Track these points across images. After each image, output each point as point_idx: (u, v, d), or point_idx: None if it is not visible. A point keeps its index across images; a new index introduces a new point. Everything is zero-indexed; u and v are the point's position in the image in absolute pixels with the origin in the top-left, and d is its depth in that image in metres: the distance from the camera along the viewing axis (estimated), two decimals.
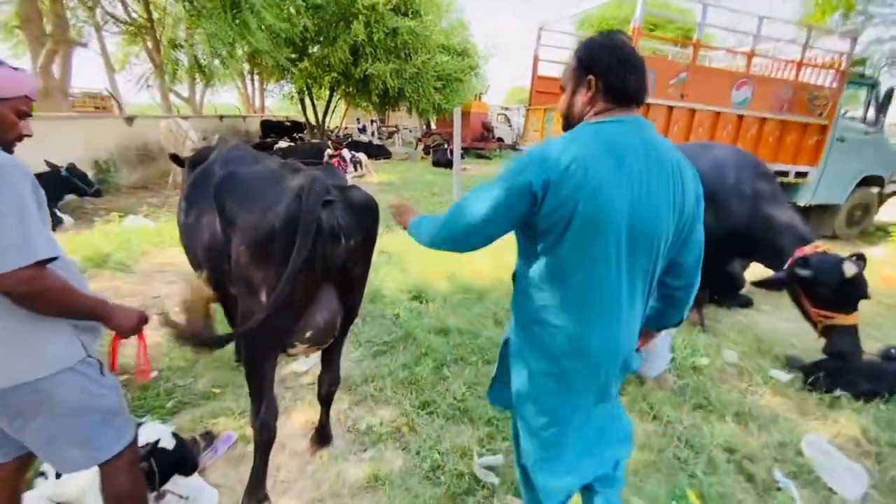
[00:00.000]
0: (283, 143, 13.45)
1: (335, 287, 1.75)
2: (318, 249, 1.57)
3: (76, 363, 1.27)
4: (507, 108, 21.71)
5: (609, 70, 1.19)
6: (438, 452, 2.17)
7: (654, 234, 1.18)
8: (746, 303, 4.13)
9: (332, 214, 1.59)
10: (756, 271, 3.36)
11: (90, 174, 7.16)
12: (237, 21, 7.79)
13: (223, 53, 8.34)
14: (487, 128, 18.98)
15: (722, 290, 3.98)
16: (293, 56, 13.87)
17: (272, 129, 17.20)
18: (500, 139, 19.71)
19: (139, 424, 1.97)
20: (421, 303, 3.82)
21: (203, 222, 1.93)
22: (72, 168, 6.24)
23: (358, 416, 2.50)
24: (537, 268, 1.23)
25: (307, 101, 17.28)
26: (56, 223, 5.48)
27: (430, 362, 2.88)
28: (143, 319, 1.40)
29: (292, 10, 12.24)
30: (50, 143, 6.86)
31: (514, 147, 17.45)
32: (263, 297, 1.61)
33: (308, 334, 1.74)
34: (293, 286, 1.53)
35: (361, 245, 1.71)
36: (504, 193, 1.17)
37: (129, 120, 9.79)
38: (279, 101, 23.44)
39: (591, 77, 1.21)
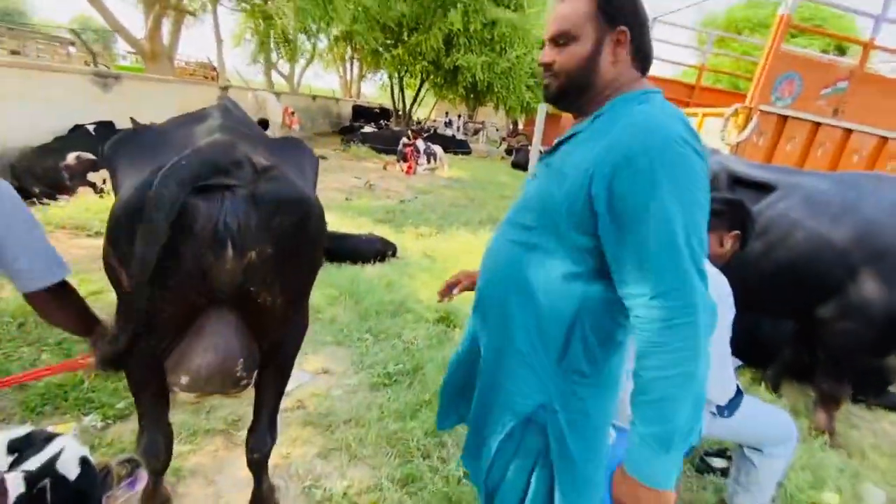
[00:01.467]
0: (368, 129, 13.44)
1: (236, 318, 1.14)
2: (185, 258, 1.00)
3: None
4: None
5: (642, 25, 0.92)
6: None
7: None
8: None
9: (217, 208, 0.98)
10: None
11: None
12: None
13: (313, 29, 8.26)
14: None
15: (865, 383, 2.83)
16: (388, 42, 13.78)
17: (362, 114, 17.41)
18: None
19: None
20: (448, 326, 3.15)
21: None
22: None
23: (322, 472, 1.90)
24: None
25: (397, 88, 17.25)
26: None
27: (431, 416, 2.20)
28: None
29: None
30: (144, 103, 7.18)
31: None
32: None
33: (184, 380, 1.15)
34: (144, 306, 1.03)
35: (270, 261, 1.08)
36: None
37: (224, 89, 10.17)
38: (377, 90, 23.88)
39: (622, 29, 0.90)
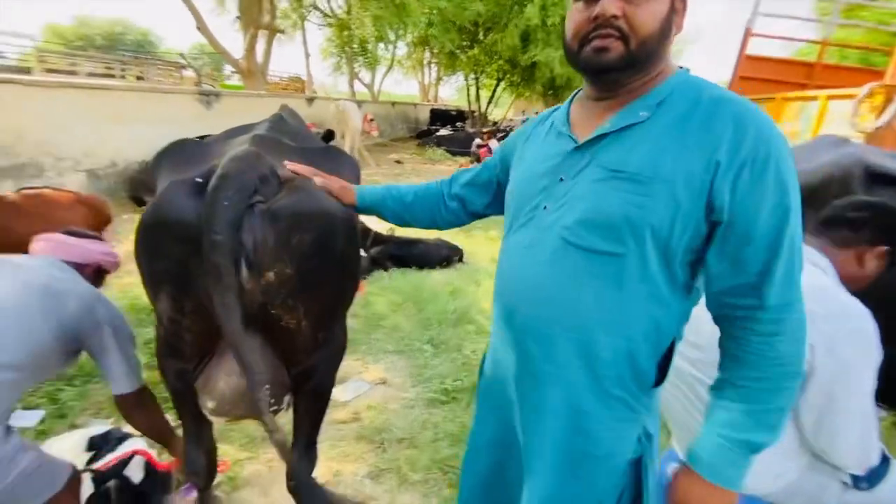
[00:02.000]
0: (444, 131, 13.56)
1: (261, 341, 1.06)
2: (189, 277, 0.96)
3: None
4: None
5: None
6: None
7: None
8: None
9: (225, 219, 0.91)
10: None
11: None
12: (397, 2, 7.74)
13: (389, 37, 8.47)
14: None
15: None
16: (464, 43, 13.75)
17: (439, 117, 17.63)
18: None
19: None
20: None
21: None
22: None
23: (372, 493, 1.82)
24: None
25: (473, 90, 17.19)
26: None
27: None
28: None
29: None
30: (240, 116, 7.85)
31: None
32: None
33: (210, 404, 1.10)
34: (170, 324, 1.03)
35: (291, 281, 0.99)
36: None
37: (310, 100, 10.83)
38: (454, 92, 24.11)
39: None
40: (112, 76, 13.64)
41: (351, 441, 2.07)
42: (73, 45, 32.15)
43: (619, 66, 0.76)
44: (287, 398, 1.20)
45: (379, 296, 3.49)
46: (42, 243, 1.45)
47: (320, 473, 1.83)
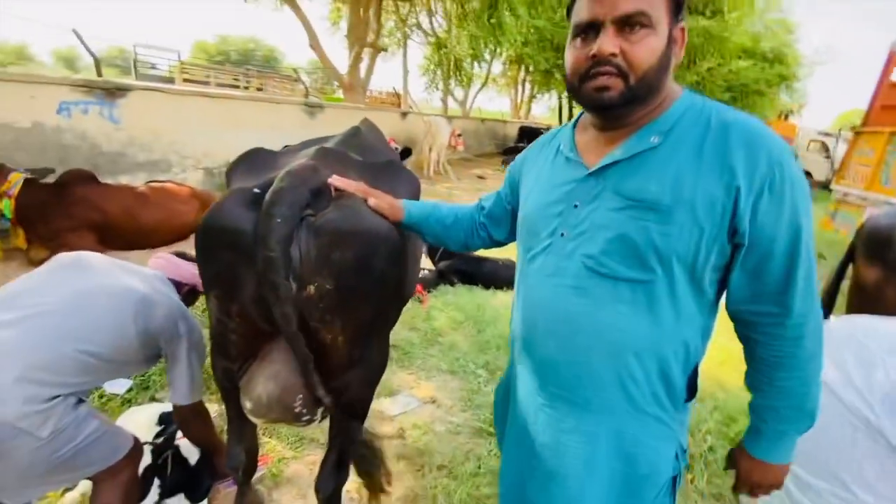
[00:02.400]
0: None
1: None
2: (248, 283, 0.98)
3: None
4: (826, 135, 16.17)
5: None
6: None
7: None
8: None
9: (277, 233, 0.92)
10: None
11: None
12: (492, 21, 7.81)
13: (483, 55, 8.59)
14: None
15: None
16: (559, 62, 13.53)
17: (526, 134, 17.45)
18: (805, 174, 14.82)
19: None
20: None
21: None
22: None
23: None
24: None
25: (566, 108, 16.81)
26: None
27: None
28: None
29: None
30: (339, 126, 8.42)
31: (826, 186, 12.79)
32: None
33: (248, 405, 1.12)
34: (218, 325, 1.08)
35: (330, 297, 0.98)
36: None
37: (404, 115, 11.32)
38: (547, 110, 23.86)
39: (683, 25, 0.79)
40: (237, 87, 15.56)
41: (391, 458, 2.04)
42: (214, 59, 37.11)
43: (620, 103, 0.77)
44: (321, 410, 1.19)
45: (441, 311, 3.46)
46: (158, 260, 1.67)
47: (353, 488, 1.82)
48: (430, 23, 14.26)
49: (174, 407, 1.47)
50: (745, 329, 0.84)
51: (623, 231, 0.77)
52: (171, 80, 14.55)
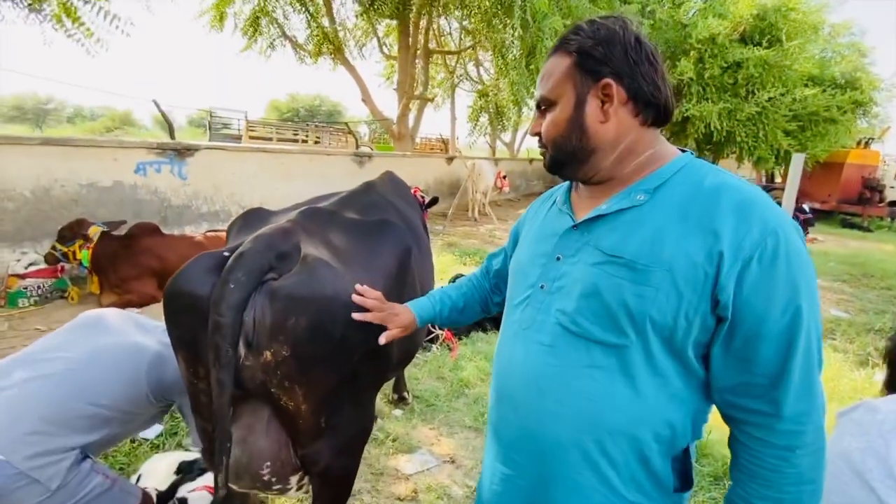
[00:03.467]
0: None
1: (267, 418, 1.04)
2: (199, 346, 0.99)
3: None
4: None
5: (637, 71, 0.76)
6: None
7: None
8: None
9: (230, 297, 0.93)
10: None
11: None
12: (531, 67, 7.96)
13: (524, 99, 8.74)
14: (871, 186, 13.12)
15: None
16: None
17: None
18: (893, 203, 13.32)
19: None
20: None
21: None
22: None
23: None
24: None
25: None
26: None
27: None
28: None
29: None
30: None
31: None
32: None
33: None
34: (189, 386, 1.09)
35: (287, 363, 0.95)
36: None
37: (450, 160, 11.63)
38: None
39: (607, 82, 0.77)
40: (296, 141, 16.87)
41: None
42: (285, 115, 40.70)
43: (554, 168, 0.85)
44: (294, 479, 1.15)
45: (470, 360, 3.35)
46: None
47: None
48: (478, 72, 14.85)
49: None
50: (732, 427, 0.75)
51: (596, 287, 0.75)
52: (238, 138, 16.06)
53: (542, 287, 0.83)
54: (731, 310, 0.68)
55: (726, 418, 0.76)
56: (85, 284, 4.36)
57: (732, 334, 0.69)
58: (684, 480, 0.80)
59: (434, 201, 2.87)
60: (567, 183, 0.93)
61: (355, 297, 1.05)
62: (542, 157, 0.88)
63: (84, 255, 4.16)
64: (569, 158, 0.81)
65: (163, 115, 6.03)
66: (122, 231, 4.27)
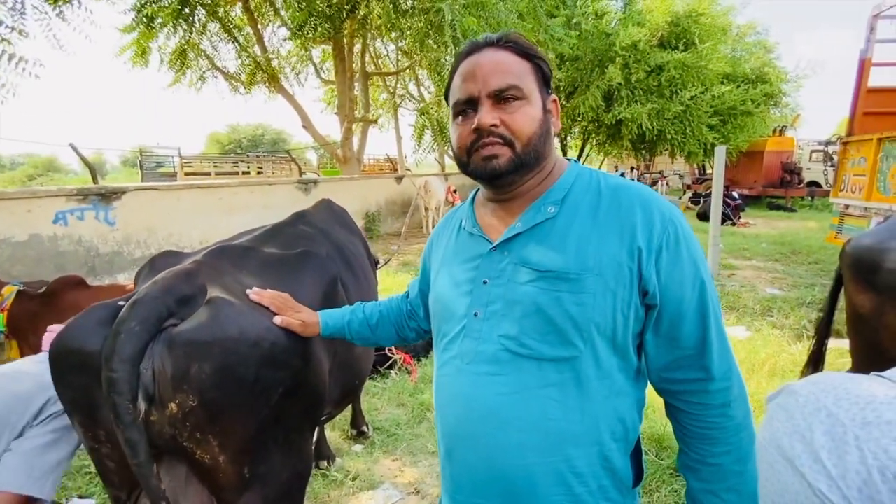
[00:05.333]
0: None
1: (185, 473, 0.95)
2: (96, 407, 0.90)
3: None
4: (827, 143, 16.02)
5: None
6: None
7: None
8: None
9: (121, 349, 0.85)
10: None
11: (360, 223, 8.62)
12: None
13: None
14: (790, 169, 14.25)
15: None
16: None
17: None
18: (813, 184, 14.52)
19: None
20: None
21: None
22: None
23: None
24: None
25: (560, 153, 17.15)
26: None
27: None
28: None
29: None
30: (337, 197, 8.70)
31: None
32: None
33: None
34: (91, 452, 0.98)
35: (196, 414, 0.87)
36: None
37: (399, 179, 11.62)
38: None
39: (555, 97, 0.84)
40: (237, 174, 16.33)
41: None
42: (227, 147, 39.39)
43: (510, 169, 0.77)
44: None
45: (430, 382, 3.26)
46: (50, 334, 1.50)
47: None
48: (419, 90, 15.02)
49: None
50: (671, 400, 0.81)
51: (537, 305, 0.74)
52: (174, 176, 15.34)
53: (475, 315, 0.80)
54: (659, 296, 0.73)
55: (663, 392, 0.81)
56: (2, 351, 3.94)
57: (660, 319, 0.75)
58: (638, 474, 0.82)
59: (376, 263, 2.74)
60: (467, 204, 0.91)
61: (252, 296, 1.05)
62: (462, 166, 0.81)
63: None
64: (531, 160, 0.78)
65: (82, 158, 5.65)
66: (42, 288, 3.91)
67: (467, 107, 0.79)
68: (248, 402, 0.95)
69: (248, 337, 0.95)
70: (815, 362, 2.09)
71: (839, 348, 2.81)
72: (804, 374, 2.14)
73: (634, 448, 0.81)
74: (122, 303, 0.94)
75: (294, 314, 1.06)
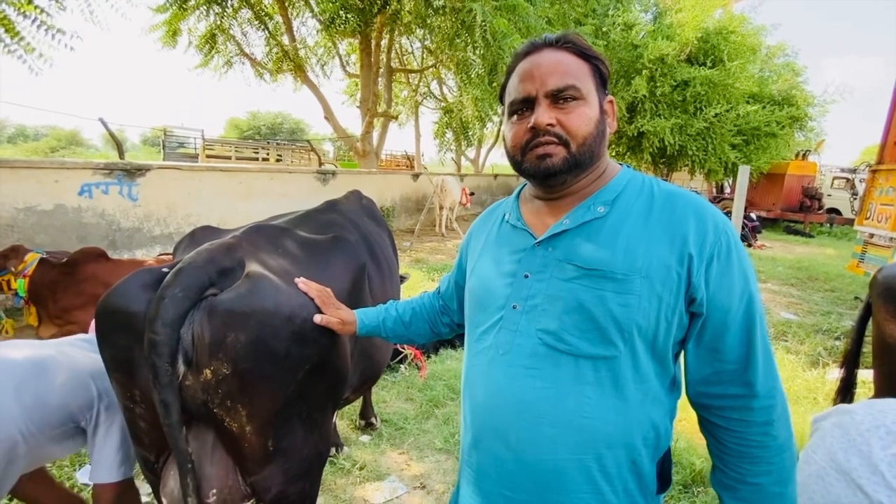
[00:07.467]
0: None
1: (212, 442, 0.97)
2: (134, 366, 0.93)
3: None
4: (852, 171, 15.76)
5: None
6: None
7: None
8: None
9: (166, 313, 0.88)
10: None
11: None
12: (493, 84, 8.14)
13: (487, 115, 8.89)
14: (811, 195, 14.04)
15: None
16: None
17: None
18: (833, 211, 14.29)
19: None
20: None
21: None
22: None
23: None
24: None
25: None
26: None
27: None
28: None
29: None
30: (349, 190, 8.76)
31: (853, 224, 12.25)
32: None
33: (164, 501, 1.01)
34: (126, 411, 1.02)
35: (228, 382, 0.89)
36: None
37: (415, 176, 11.64)
38: None
39: (611, 98, 0.84)
40: (256, 159, 16.47)
41: None
42: (245, 134, 39.80)
43: (564, 168, 0.77)
44: None
45: (439, 378, 3.28)
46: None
47: None
48: (441, 89, 15.05)
49: (93, 492, 1.23)
50: (709, 415, 0.79)
51: (579, 301, 0.74)
52: (195, 157, 15.51)
53: (514, 307, 0.80)
54: (706, 305, 0.73)
55: (700, 407, 0.80)
56: (21, 316, 4.02)
57: (704, 328, 0.74)
58: (665, 481, 0.81)
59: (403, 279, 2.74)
60: (512, 198, 0.92)
61: (300, 285, 1.07)
62: (516, 164, 0.81)
63: (20, 284, 3.85)
64: (586, 161, 0.78)
65: (110, 133, 5.74)
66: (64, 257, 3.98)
67: (523, 106, 0.79)
68: (277, 374, 0.97)
69: (283, 311, 0.97)
70: (845, 391, 2.06)
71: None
72: (836, 402, 2.11)
73: (663, 456, 0.80)
74: (165, 270, 0.97)
75: (334, 311, 1.08)
